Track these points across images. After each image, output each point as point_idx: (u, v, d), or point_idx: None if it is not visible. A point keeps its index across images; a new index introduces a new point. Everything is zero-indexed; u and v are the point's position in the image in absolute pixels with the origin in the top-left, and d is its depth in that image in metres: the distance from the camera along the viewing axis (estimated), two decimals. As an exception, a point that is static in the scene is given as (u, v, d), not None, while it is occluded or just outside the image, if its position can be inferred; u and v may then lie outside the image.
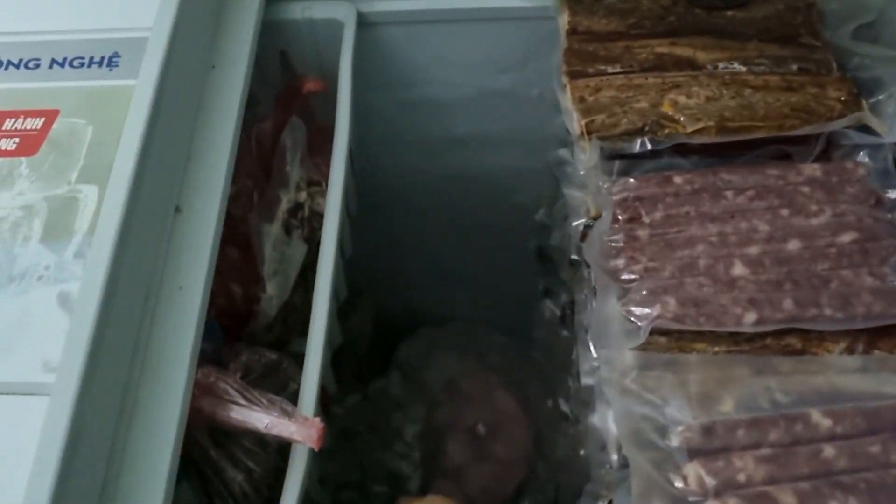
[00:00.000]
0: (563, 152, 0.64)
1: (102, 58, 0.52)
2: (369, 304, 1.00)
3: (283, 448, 0.52)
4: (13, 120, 0.49)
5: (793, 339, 0.51)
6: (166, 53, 0.52)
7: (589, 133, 0.59)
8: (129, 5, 0.54)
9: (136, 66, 0.51)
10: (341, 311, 0.77)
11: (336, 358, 0.79)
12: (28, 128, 0.49)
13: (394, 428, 0.98)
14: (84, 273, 0.43)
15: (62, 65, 0.51)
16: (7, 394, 0.40)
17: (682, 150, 0.59)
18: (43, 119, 0.49)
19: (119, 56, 0.52)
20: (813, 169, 0.58)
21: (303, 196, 0.62)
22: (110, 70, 0.52)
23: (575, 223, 0.61)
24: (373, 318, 1.01)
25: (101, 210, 0.45)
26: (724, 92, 0.60)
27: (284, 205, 0.60)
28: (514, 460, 0.93)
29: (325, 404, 0.65)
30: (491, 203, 0.92)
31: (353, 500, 0.82)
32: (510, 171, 0.87)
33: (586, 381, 0.55)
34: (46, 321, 0.42)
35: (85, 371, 0.40)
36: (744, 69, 0.61)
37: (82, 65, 0.51)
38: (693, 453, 0.46)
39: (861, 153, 0.59)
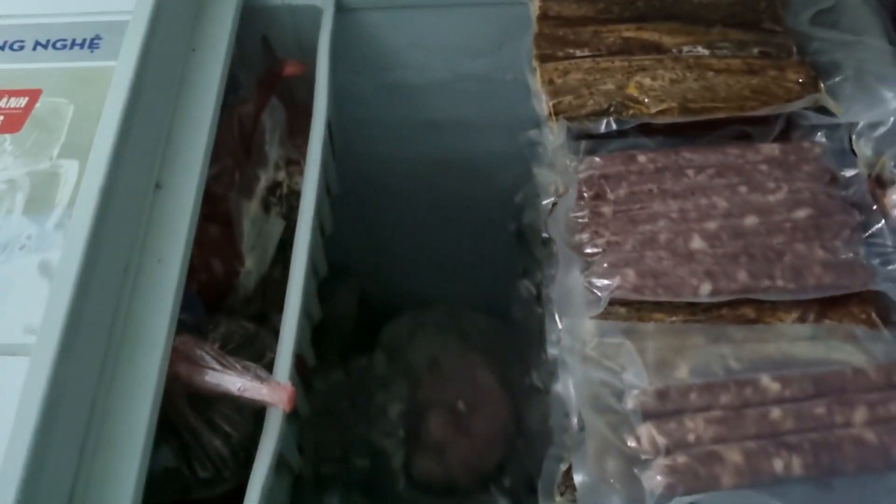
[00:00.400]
0: (535, 133, 0.66)
1: (84, 40, 0.54)
2: (354, 285, 1.02)
3: (259, 414, 0.54)
4: (-2, 99, 0.51)
5: (747, 310, 0.54)
6: (146, 36, 0.54)
7: (557, 114, 0.61)
8: (111, -11, 0.56)
9: (117, 48, 0.53)
10: (324, 289, 0.79)
11: (320, 337, 0.81)
12: (12, 106, 0.51)
13: (378, 406, 1.00)
14: (64, 242, 0.45)
15: (46, 47, 0.54)
16: (-9, 355, 0.43)
17: (647, 130, 0.62)
18: (27, 98, 0.51)
19: (101, 38, 0.54)
20: (771, 148, 0.60)
21: (281, 175, 0.64)
22: (92, 52, 0.54)
23: (545, 202, 0.63)
24: (357, 299, 1.03)
25: (82, 184, 0.47)
26: (688, 75, 0.62)
27: (263, 183, 0.62)
28: (494, 436, 0.96)
29: (303, 374, 0.67)
30: (472, 186, 0.94)
31: (334, 473, 0.85)
32: (489, 154, 0.89)
33: (552, 351, 0.57)
34: (28, 288, 0.44)
35: (64, 333, 0.42)
36: (707, 53, 0.63)
37: (65, 46, 0.53)
38: (647, 415, 0.49)
39: (819, 133, 0.61)
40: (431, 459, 0.96)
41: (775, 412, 0.48)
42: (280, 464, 0.64)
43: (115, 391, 0.47)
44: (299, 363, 0.68)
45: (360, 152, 0.88)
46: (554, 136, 0.61)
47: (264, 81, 0.72)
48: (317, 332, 0.78)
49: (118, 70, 0.52)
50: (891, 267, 0.54)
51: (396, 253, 1.06)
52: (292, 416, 0.66)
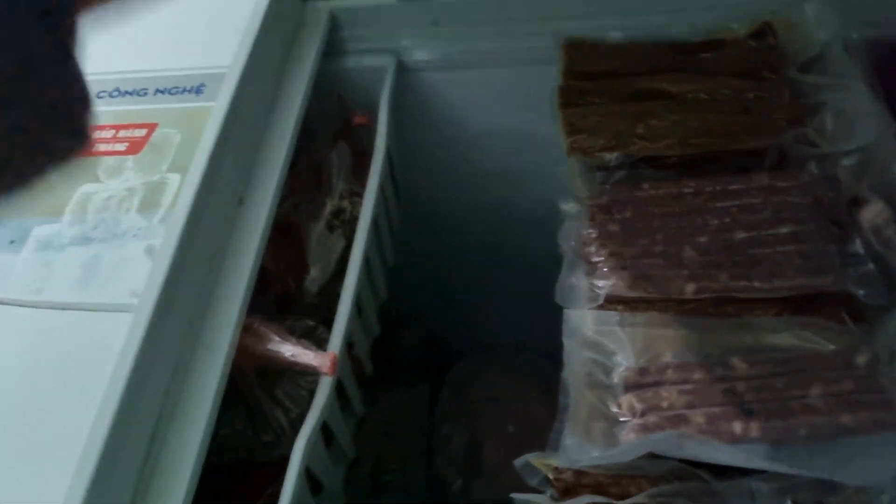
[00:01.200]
0: (562, 170, 0.77)
1: (192, 87, 0.69)
2: (421, 326, 1.13)
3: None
4: (126, 130, 0.67)
5: (730, 308, 0.61)
6: (238, 85, 0.68)
7: (574, 150, 0.72)
8: (214, 50, 0.72)
9: (217, 93, 0.68)
10: (394, 330, 0.90)
11: (386, 368, 0.92)
12: (135, 136, 0.66)
13: (443, 437, 1.09)
14: (165, 232, 0.59)
15: (163, 92, 0.69)
16: (105, 311, 0.56)
17: (653, 164, 0.71)
18: (146, 130, 0.66)
19: (205, 86, 0.69)
20: (762, 177, 0.68)
21: (345, 203, 0.76)
22: (198, 95, 0.69)
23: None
24: (424, 338, 1.14)
25: (182, 190, 0.61)
26: (690, 116, 0.72)
27: (328, 208, 0.75)
28: (545, 464, 1.03)
29: (361, 377, 0.77)
30: (529, 234, 1.03)
31: (394, 481, 0.94)
32: (543, 203, 0.99)
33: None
34: (137, 265, 0.58)
35: (159, 297, 0.55)
36: (708, 98, 0.73)
37: (177, 92, 0.69)
38: (629, 388, 0.57)
39: (811, 164, 0.69)
40: (487, 484, 1.04)
41: (740, 386, 0.55)
42: (336, 449, 0.74)
43: (196, 348, 0.59)
44: (357, 366, 0.79)
45: (425, 199, 1.00)
46: (572, 169, 0.72)
47: (339, 132, 0.86)
48: (386, 363, 0.89)
49: (215, 108, 0.66)
50: (860, 272, 0.61)
51: (462, 297, 1.16)
52: (348, 409, 0.77)
